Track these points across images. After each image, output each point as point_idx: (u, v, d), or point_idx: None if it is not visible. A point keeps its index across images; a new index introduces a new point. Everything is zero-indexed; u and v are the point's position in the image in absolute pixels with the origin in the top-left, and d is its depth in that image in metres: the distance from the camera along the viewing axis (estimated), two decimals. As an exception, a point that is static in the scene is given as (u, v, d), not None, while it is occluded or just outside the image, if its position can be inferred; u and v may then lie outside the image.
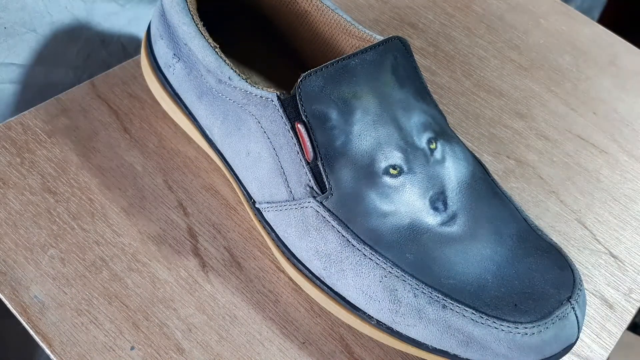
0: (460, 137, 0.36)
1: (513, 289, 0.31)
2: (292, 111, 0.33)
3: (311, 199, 0.33)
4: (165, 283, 0.36)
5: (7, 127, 0.41)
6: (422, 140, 0.33)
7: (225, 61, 0.35)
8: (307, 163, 0.33)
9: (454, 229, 0.32)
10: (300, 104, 0.33)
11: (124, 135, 0.42)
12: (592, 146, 0.46)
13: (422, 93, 0.35)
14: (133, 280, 0.36)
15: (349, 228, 0.33)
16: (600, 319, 0.37)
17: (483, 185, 0.34)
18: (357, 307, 0.33)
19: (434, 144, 0.34)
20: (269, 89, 0.34)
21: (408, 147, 0.33)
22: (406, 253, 0.32)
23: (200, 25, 0.37)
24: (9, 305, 0.34)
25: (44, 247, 0.36)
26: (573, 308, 0.30)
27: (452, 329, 0.30)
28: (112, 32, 0.50)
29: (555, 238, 0.40)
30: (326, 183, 0.33)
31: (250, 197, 0.37)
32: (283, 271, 0.37)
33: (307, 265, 0.34)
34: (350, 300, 0.33)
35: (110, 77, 0.45)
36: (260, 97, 0.34)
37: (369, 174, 0.33)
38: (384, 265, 0.32)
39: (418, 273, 0.31)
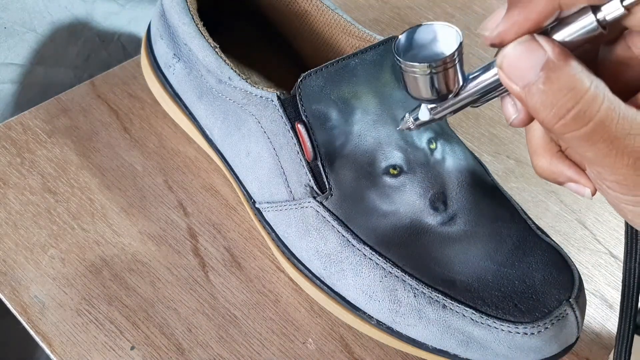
0: (460, 137, 0.36)
1: (513, 288, 0.31)
2: (292, 111, 0.33)
3: (311, 199, 0.33)
4: (166, 283, 0.36)
5: (7, 127, 0.41)
6: (422, 140, 0.33)
7: (225, 61, 0.35)
8: (307, 163, 0.33)
9: (454, 228, 0.32)
10: (300, 104, 0.33)
11: (124, 135, 0.42)
12: (592, 146, 0.46)
13: (422, 93, 0.35)
14: (133, 280, 0.36)
15: (349, 228, 0.33)
16: (600, 319, 0.37)
17: (483, 185, 0.34)
18: (357, 307, 0.33)
19: (434, 143, 0.34)
20: (269, 89, 0.34)
21: (408, 147, 0.33)
22: (406, 253, 0.32)
23: (200, 25, 0.37)
24: (9, 305, 0.34)
25: (44, 247, 0.36)
26: (573, 308, 0.30)
27: (452, 329, 0.30)
28: (112, 32, 0.50)
29: (555, 238, 0.40)
30: (326, 183, 0.33)
31: (251, 197, 0.37)
32: (283, 271, 0.37)
33: (307, 265, 0.34)
34: (350, 300, 0.33)
35: (110, 77, 0.45)
36: (260, 97, 0.34)
37: (369, 173, 0.33)
38: (384, 265, 0.32)
39: (418, 273, 0.31)
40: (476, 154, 0.43)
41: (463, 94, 0.24)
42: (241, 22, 0.45)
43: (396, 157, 0.33)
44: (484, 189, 0.34)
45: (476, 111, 0.47)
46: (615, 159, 0.20)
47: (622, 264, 0.40)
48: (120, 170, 0.40)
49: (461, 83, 0.24)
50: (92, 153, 0.41)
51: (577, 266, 0.32)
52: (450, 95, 0.24)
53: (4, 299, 0.35)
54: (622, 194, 0.22)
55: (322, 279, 0.34)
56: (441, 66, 0.23)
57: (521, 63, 0.20)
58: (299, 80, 0.33)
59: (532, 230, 0.33)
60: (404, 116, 0.27)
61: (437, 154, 0.34)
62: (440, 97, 0.24)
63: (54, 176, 0.39)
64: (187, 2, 0.37)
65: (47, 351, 0.33)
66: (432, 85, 0.23)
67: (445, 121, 0.36)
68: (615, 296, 0.38)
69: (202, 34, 0.36)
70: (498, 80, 0.23)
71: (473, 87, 0.24)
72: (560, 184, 0.26)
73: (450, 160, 0.34)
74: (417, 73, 0.23)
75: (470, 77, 0.24)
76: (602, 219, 0.42)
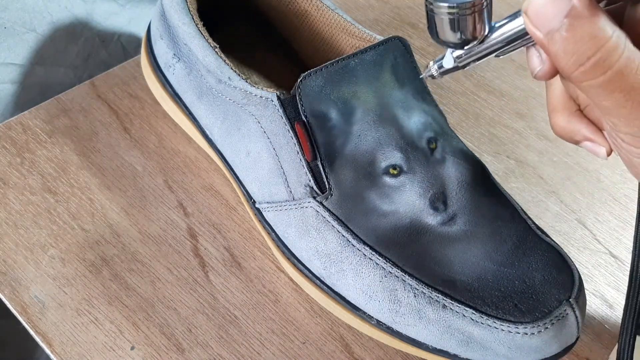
0: (460, 137, 0.36)
1: (513, 288, 0.31)
2: (292, 111, 0.33)
3: (311, 199, 0.33)
4: (166, 283, 0.36)
5: (7, 127, 0.41)
6: (422, 140, 0.33)
7: (225, 61, 0.35)
8: (307, 163, 0.33)
9: (454, 228, 0.32)
10: (300, 104, 0.33)
11: (124, 135, 0.42)
12: (592, 146, 0.46)
13: (422, 93, 0.35)
14: (133, 280, 0.36)
15: (349, 228, 0.33)
16: (600, 319, 0.37)
17: (483, 185, 0.34)
18: (357, 307, 0.33)
19: (434, 144, 0.34)
20: (269, 89, 0.34)
21: (408, 147, 0.33)
22: (406, 253, 0.32)
23: (200, 25, 0.37)
24: (9, 305, 0.34)
25: (44, 247, 0.36)
26: (573, 308, 0.30)
27: (452, 329, 0.30)
28: (112, 32, 0.50)
29: (555, 238, 0.40)
30: (326, 183, 0.33)
31: (250, 197, 0.37)
32: (283, 271, 0.37)
33: (307, 265, 0.34)
34: (350, 300, 0.33)
35: (110, 77, 0.45)
36: (260, 97, 0.34)
37: (368, 173, 0.33)
38: (384, 265, 0.32)
39: (418, 273, 0.31)
40: (476, 154, 0.43)
41: (488, 42, 0.25)
42: (241, 22, 0.45)
43: (396, 157, 0.33)
44: (484, 189, 0.34)
45: (476, 111, 0.47)
46: (631, 110, 0.21)
47: (622, 264, 0.40)
48: (120, 170, 0.40)
49: (487, 30, 0.24)
50: (92, 153, 0.41)
51: (577, 266, 0.32)
52: (475, 42, 0.25)
53: (4, 299, 0.35)
54: (636, 147, 0.22)
55: (322, 279, 0.34)
56: (470, 9, 0.23)
57: (546, 9, 0.21)
58: (298, 80, 0.33)
59: (532, 230, 0.33)
60: (428, 64, 0.28)
61: (437, 154, 0.34)
62: (465, 42, 0.25)
63: (54, 176, 0.39)
64: (187, 2, 0.37)
65: (47, 351, 0.33)
66: (459, 28, 0.24)
67: (445, 121, 0.36)
68: (615, 296, 0.38)
69: (202, 34, 0.36)
70: (523, 29, 0.24)
71: (498, 35, 0.24)
72: (577, 143, 0.26)
73: (450, 160, 0.34)
74: (445, 14, 0.24)
75: (497, 25, 0.25)
76: (602, 219, 0.42)
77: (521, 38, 0.24)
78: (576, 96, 0.26)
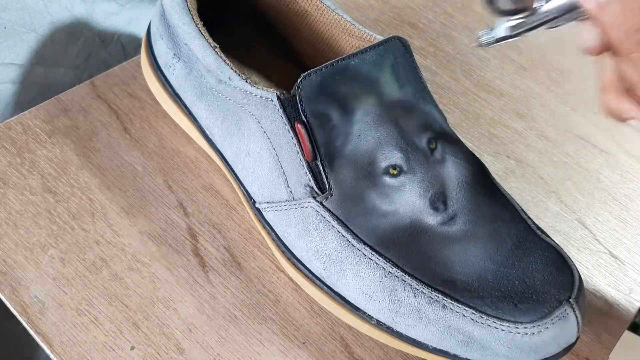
0: (460, 137, 0.36)
1: (513, 288, 0.31)
2: (292, 111, 0.33)
3: (311, 199, 0.33)
4: (165, 283, 0.36)
5: (7, 127, 0.41)
6: (422, 140, 0.33)
7: (225, 61, 0.35)
8: (307, 163, 0.33)
9: (454, 228, 0.32)
10: (300, 103, 0.33)
11: (124, 135, 0.42)
12: (592, 146, 0.46)
13: (422, 93, 0.35)
14: (133, 280, 0.36)
15: (348, 228, 0.33)
16: (600, 319, 0.37)
17: (483, 185, 0.34)
18: (357, 307, 0.33)
19: (434, 144, 0.34)
20: (269, 89, 0.34)
21: (408, 147, 0.33)
22: (406, 253, 0.32)
23: (200, 25, 0.37)
24: (9, 305, 0.34)
25: (44, 247, 0.36)
26: (573, 308, 0.30)
27: (452, 329, 0.31)
28: (112, 32, 0.50)
29: (555, 238, 0.40)
30: (326, 183, 0.33)
31: (251, 197, 0.37)
32: (283, 271, 0.37)
33: (307, 265, 0.34)
34: (350, 300, 0.33)
35: (110, 77, 0.45)
36: (260, 97, 0.34)
37: (368, 173, 0.33)
38: (384, 265, 0.32)
39: (418, 273, 0.31)
40: (476, 154, 0.43)
41: (541, 13, 0.26)
42: (241, 22, 0.45)
43: (396, 157, 0.33)
44: (484, 189, 0.34)
45: (476, 111, 0.47)
46: None
47: (622, 264, 0.40)
48: (120, 170, 0.40)
49: (541, 1, 0.26)
50: (92, 153, 0.41)
51: (577, 266, 0.32)
52: (528, 12, 0.26)
53: (4, 299, 0.35)
54: None
55: (322, 279, 0.34)
56: None
57: None
58: (298, 80, 0.33)
59: (532, 230, 0.33)
60: (480, 33, 0.29)
61: (437, 154, 0.34)
62: (518, 11, 0.26)
63: (54, 176, 0.39)
64: (187, 2, 0.37)
65: (47, 351, 0.33)
66: None
67: (445, 121, 0.36)
68: (615, 296, 0.38)
69: (202, 34, 0.36)
70: (576, 2, 0.25)
71: (551, 7, 0.26)
72: (623, 120, 0.28)
73: (450, 160, 0.34)
74: None
75: None
76: (602, 219, 0.42)
77: (573, 10, 0.25)
78: (625, 75, 0.27)
